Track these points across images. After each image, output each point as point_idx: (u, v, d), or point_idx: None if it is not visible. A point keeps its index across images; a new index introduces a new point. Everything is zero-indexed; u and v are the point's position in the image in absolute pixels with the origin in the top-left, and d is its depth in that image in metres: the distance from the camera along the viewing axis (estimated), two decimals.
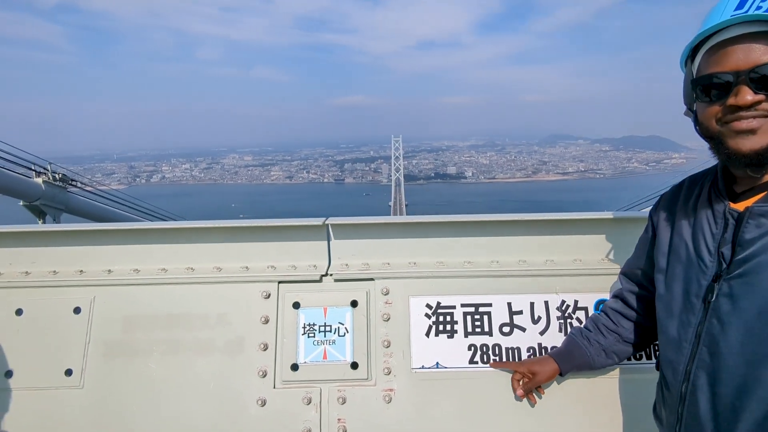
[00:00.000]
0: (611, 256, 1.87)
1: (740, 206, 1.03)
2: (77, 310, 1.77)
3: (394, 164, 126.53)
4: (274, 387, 1.71)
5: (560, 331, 1.76)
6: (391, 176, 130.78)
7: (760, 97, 0.93)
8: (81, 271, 1.84)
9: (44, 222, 7.47)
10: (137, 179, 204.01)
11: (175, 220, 11.20)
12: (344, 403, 1.70)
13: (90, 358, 1.73)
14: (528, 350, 1.74)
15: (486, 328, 1.76)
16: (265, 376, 1.71)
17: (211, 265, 1.85)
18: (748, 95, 0.94)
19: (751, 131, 0.96)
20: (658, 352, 1.30)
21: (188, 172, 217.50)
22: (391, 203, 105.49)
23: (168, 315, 1.78)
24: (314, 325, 1.76)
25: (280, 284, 1.81)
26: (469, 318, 1.77)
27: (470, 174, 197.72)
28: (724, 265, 1.02)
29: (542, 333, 1.76)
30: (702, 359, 1.05)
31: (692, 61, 1.07)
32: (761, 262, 0.95)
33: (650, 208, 1.40)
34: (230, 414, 1.70)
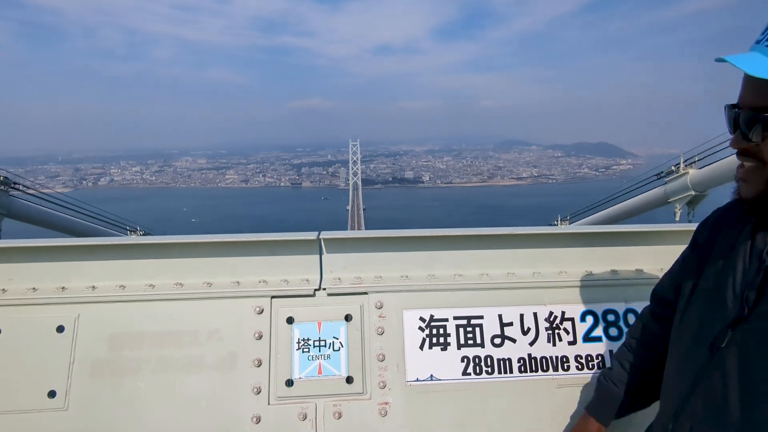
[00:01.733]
0: (594, 269, 1.91)
1: None
2: (60, 329, 1.70)
3: (352, 168, 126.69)
4: (269, 403, 1.69)
5: (548, 341, 1.80)
6: (348, 180, 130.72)
7: (744, 145, 0.87)
8: (63, 287, 1.77)
9: None
10: (84, 182, 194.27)
11: (123, 224, 11.05)
12: (340, 417, 1.69)
13: (75, 379, 1.66)
14: (518, 360, 1.78)
15: (478, 340, 1.79)
16: (259, 392, 1.69)
17: (200, 281, 1.82)
18: (736, 139, 0.88)
19: (744, 179, 0.90)
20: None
21: (139, 175, 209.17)
22: (349, 207, 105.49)
23: (156, 332, 1.73)
24: (308, 339, 1.75)
25: (273, 299, 1.79)
26: (461, 330, 1.80)
27: (427, 178, 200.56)
28: (747, 311, 0.90)
29: (531, 344, 1.80)
30: (693, 410, 0.97)
31: None
32: None
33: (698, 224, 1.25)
34: None
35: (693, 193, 6.68)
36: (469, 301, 1.83)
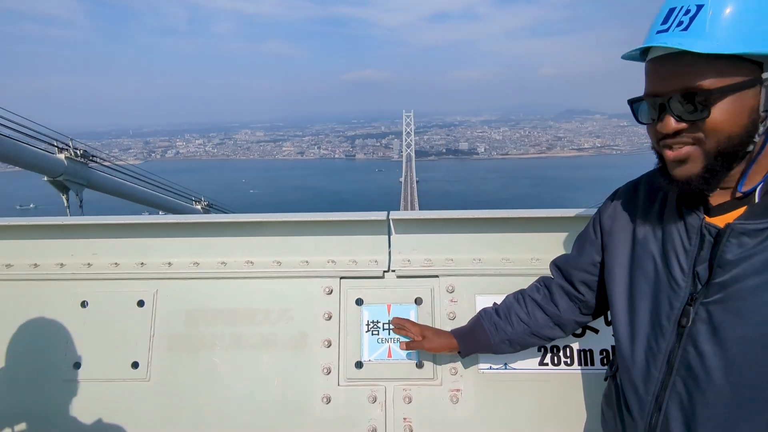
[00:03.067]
0: None
1: (718, 221, 0.94)
2: (141, 303, 1.78)
3: (405, 140, 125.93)
4: (339, 384, 1.69)
5: None
6: (402, 152, 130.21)
7: (682, 125, 0.87)
8: (142, 263, 1.84)
9: (67, 197, 7.88)
10: (152, 154, 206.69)
11: (189, 195, 11.60)
12: (410, 402, 1.67)
13: (155, 352, 1.74)
14: (601, 353, 1.67)
15: None
16: (329, 373, 1.69)
17: (270, 259, 1.82)
18: (671, 123, 0.88)
19: (682, 160, 0.90)
20: (611, 365, 1.26)
21: (202, 148, 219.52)
22: (402, 179, 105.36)
23: (229, 310, 1.77)
24: (378, 322, 1.72)
25: (342, 280, 1.77)
26: None
27: (482, 150, 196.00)
28: (700, 287, 0.93)
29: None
30: (676, 391, 0.98)
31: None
32: (745, 287, 0.87)
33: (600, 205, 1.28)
34: (295, 410, 1.69)
35: None
36: None
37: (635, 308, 1.07)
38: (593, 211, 1.67)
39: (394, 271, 1.77)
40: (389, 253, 1.82)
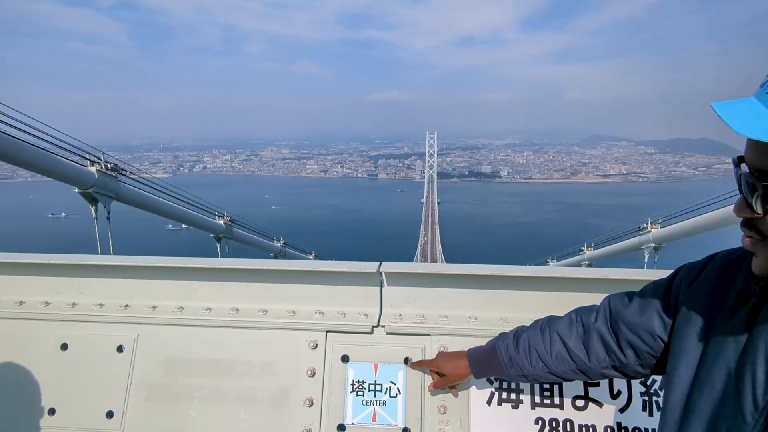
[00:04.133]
0: None
1: None
2: (120, 349, 1.73)
3: (428, 161, 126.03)
4: None
5: (644, 409, 1.51)
6: (424, 173, 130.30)
7: (745, 214, 0.72)
8: (126, 305, 1.80)
9: (95, 208, 8.12)
10: (181, 168, 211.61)
11: (212, 210, 11.83)
12: None
13: (131, 401, 1.68)
14: (605, 429, 1.51)
15: (556, 400, 1.56)
16: None
17: (256, 307, 1.77)
18: (739, 206, 0.73)
19: (752, 251, 0.76)
20: None
21: (228, 163, 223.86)
22: (423, 200, 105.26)
23: (210, 360, 1.71)
24: (364, 382, 1.63)
25: (329, 334, 1.70)
26: (537, 386, 1.57)
27: (505, 173, 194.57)
28: None
29: (622, 410, 1.52)
30: None
31: None
32: None
33: (671, 273, 1.09)
34: None
35: None
36: None
37: (688, 422, 0.90)
38: (607, 273, 1.57)
39: (383, 326, 1.69)
40: (380, 306, 1.74)
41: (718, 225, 8.00)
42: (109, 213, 8.30)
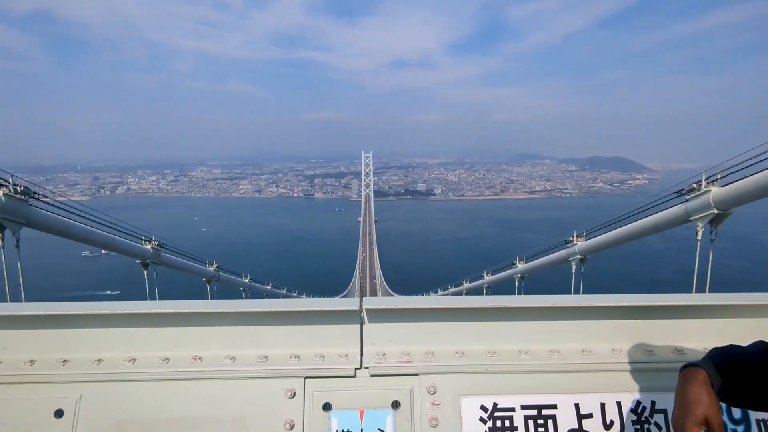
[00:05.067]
0: (689, 344, 1.59)
1: None
2: (59, 414, 1.46)
3: (365, 180, 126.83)
4: None
5: None
6: (361, 192, 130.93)
7: None
8: (64, 360, 1.53)
9: (2, 235, 7.37)
10: (102, 191, 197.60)
11: (138, 234, 11.14)
12: None
13: None
14: None
15: None
16: None
17: (223, 354, 1.56)
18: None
19: None
20: None
21: (155, 184, 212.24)
22: (361, 219, 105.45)
23: (172, 419, 1.49)
24: None
25: (307, 380, 1.53)
26: (531, 423, 1.51)
27: (440, 191, 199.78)
28: None
29: None
30: None
31: None
32: None
33: None
34: None
35: (716, 211, 6.49)
36: (539, 385, 1.55)
37: None
38: (586, 299, 1.58)
39: (367, 367, 1.56)
40: (361, 345, 1.61)
41: (634, 237, 8.72)
42: (18, 241, 7.56)
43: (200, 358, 1.55)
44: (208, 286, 12.82)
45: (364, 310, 1.60)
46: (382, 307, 1.60)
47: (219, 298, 12.77)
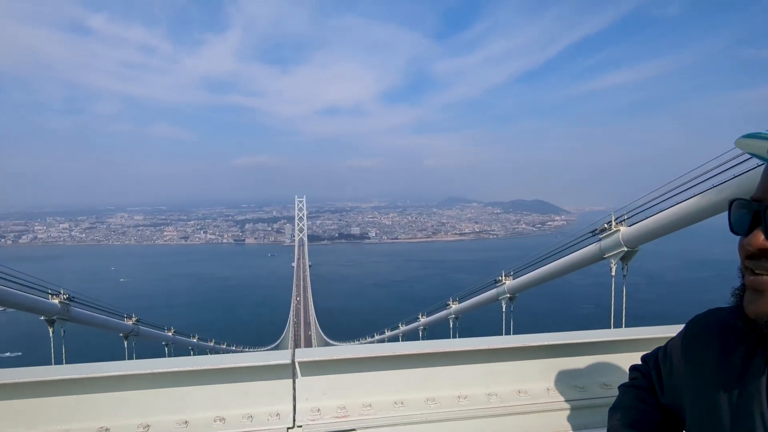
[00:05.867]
0: (615, 379, 1.58)
1: None
2: None
3: (298, 224, 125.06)
4: None
5: None
6: (294, 236, 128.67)
7: None
8: None
9: None
10: (2, 240, 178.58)
11: (44, 287, 10.06)
12: None
13: None
14: None
15: None
16: None
17: (134, 422, 1.39)
18: (759, 239, 0.69)
19: (759, 290, 0.71)
20: None
21: (66, 232, 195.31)
22: (294, 264, 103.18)
23: None
24: None
25: None
26: None
27: (374, 234, 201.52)
28: None
29: None
30: None
31: None
32: None
33: (680, 331, 1.05)
34: None
35: (625, 249, 7.06)
36: (479, 431, 1.53)
37: None
38: (518, 338, 1.59)
39: (300, 426, 1.45)
40: (293, 401, 1.49)
41: (557, 274, 9.22)
42: None
43: (107, 430, 1.36)
44: (125, 342, 11.76)
45: (296, 363, 1.48)
46: (316, 358, 1.50)
47: (138, 355, 11.75)
